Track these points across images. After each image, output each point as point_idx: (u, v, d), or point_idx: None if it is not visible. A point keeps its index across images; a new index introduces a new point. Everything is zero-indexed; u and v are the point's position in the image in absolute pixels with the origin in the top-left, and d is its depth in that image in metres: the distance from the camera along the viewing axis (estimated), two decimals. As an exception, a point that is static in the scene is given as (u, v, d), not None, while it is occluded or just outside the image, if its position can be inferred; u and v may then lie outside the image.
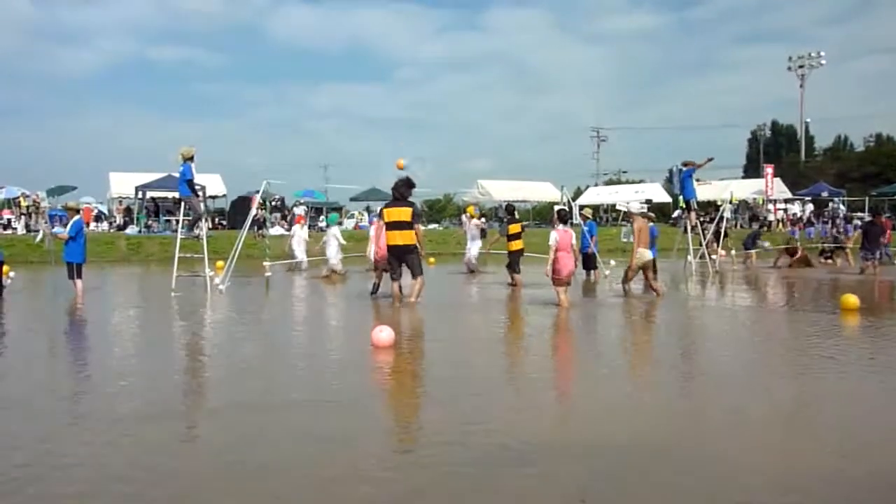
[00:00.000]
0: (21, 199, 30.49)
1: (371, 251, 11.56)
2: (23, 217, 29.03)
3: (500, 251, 14.71)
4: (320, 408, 4.83)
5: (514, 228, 13.60)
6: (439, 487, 3.34)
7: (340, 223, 23.45)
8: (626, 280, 11.65)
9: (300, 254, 18.30)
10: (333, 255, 15.89)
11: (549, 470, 3.52)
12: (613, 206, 39.34)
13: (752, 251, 20.24)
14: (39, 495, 3.21)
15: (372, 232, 11.42)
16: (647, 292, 11.49)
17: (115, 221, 31.71)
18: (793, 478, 3.45)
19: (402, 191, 9.95)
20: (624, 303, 10.93)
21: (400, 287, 10.04)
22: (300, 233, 18.90)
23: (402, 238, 9.77)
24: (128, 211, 32.41)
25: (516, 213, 15.37)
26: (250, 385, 5.46)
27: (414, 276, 9.99)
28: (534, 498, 3.18)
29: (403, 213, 9.81)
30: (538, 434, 4.12)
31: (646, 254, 11.13)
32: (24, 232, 26.99)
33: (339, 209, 35.99)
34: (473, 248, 16.91)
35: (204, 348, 7.46)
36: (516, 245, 13.40)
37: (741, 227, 32.80)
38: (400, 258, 9.92)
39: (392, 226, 9.85)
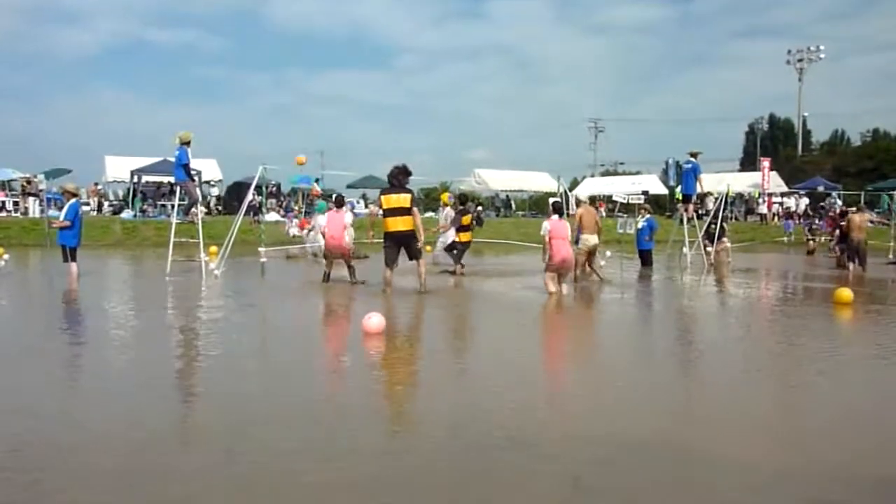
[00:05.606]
0: (21, 182, 30.24)
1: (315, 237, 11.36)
2: (30, 198, 28.68)
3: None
4: (313, 399, 4.86)
5: (466, 220, 13.72)
6: (433, 472, 3.38)
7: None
8: (582, 265, 12.11)
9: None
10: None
11: (543, 458, 3.55)
12: (610, 197, 39.40)
13: (725, 240, 17.43)
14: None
15: (322, 221, 11.27)
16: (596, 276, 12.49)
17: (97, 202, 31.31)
18: (792, 473, 3.39)
19: (399, 178, 10.15)
20: (610, 292, 11.14)
21: (391, 274, 10.14)
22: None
23: (403, 224, 9.96)
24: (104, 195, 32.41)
25: (470, 204, 15.35)
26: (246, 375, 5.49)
27: (415, 258, 10.22)
28: (528, 483, 3.21)
29: (402, 200, 10.00)
30: (529, 423, 4.14)
31: (591, 238, 12.15)
32: (19, 215, 26.83)
33: (329, 197, 35.76)
34: (447, 238, 14.57)
35: (197, 334, 7.48)
36: (465, 237, 13.64)
37: (735, 219, 32.76)
38: (400, 243, 10.10)
39: (391, 212, 10.01)
